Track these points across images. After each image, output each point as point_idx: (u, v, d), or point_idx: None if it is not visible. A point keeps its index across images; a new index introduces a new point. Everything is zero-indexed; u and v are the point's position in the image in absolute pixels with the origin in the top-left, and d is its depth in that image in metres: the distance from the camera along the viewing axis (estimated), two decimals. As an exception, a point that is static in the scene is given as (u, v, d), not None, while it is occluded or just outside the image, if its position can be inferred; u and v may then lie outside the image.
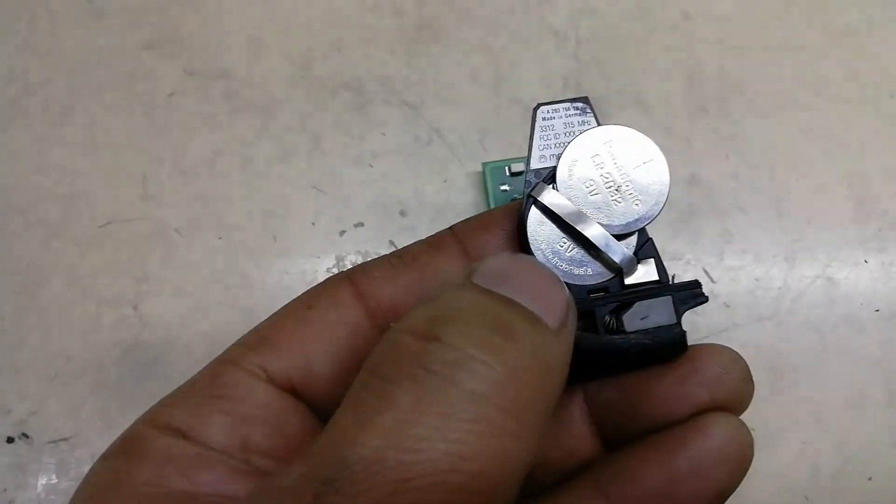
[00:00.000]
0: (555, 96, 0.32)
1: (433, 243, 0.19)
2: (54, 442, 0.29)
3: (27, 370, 0.29)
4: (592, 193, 0.18)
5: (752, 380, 0.18)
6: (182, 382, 0.29)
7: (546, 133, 0.18)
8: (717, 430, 0.16)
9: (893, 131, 0.32)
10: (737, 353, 0.18)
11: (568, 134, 0.18)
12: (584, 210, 0.18)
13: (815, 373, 0.29)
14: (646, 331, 0.17)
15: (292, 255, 0.30)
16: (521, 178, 0.30)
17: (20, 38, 0.33)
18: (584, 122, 0.18)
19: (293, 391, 0.17)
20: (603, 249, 0.18)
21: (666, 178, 0.18)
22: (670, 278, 0.19)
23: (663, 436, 0.17)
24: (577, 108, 0.19)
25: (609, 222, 0.18)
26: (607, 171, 0.18)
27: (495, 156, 0.31)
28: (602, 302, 0.17)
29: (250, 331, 0.18)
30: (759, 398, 0.29)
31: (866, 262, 0.30)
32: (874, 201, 0.31)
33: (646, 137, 0.18)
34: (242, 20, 0.33)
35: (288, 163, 0.31)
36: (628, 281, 0.18)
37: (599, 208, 0.18)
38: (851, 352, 0.30)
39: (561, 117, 0.19)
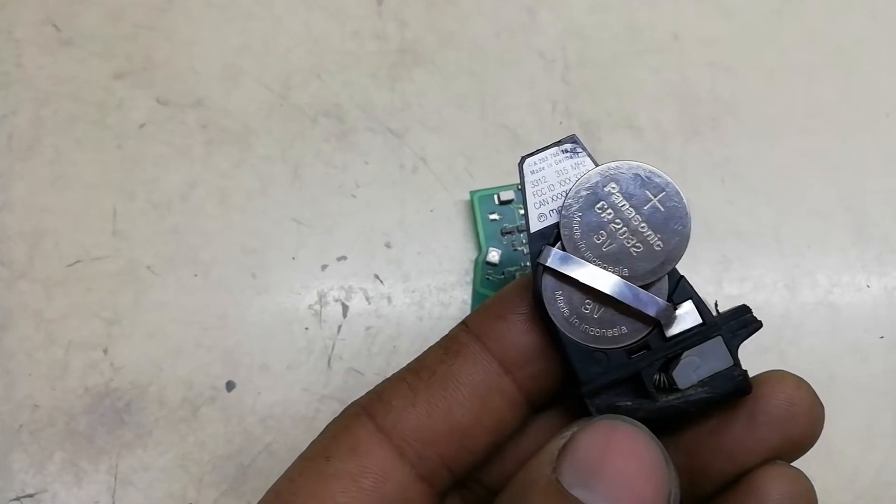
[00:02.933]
0: (543, 121, 0.31)
1: (450, 349, 0.17)
2: (18, 499, 0.27)
3: (-10, 421, 0.28)
4: (606, 245, 0.16)
5: (821, 404, 0.16)
6: (156, 430, 0.27)
7: (539, 187, 0.16)
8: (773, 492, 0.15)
9: (890, 152, 0.31)
10: (798, 377, 0.16)
11: (563, 182, 0.16)
12: (602, 265, 0.16)
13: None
14: (702, 382, 0.15)
15: (273, 292, 0.29)
16: (510, 207, 0.29)
17: (-17, 68, 0.31)
18: (577, 165, 0.16)
19: None
20: (633, 304, 0.16)
21: (684, 208, 0.16)
22: (714, 307, 0.17)
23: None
24: (567, 151, 0.17)
25: (632, 272, 0.16)
26: (617, 216, 0.16)
27: (483, 183, 0.30)
28: (647, 362, 0.16)
29: (269, 491, 0.16)
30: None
31: (868, 286, 0.29)
32: (874, 224, 0.30)
33: (650, 167, 0.16)
34: (217, 47, 0.31)
35: (266, 195, 0.30)
36: (670, 332, 0.16)
37: (618, 259, 0.16)
38: (857, 382, 0.29)
39: (551, 165, 0.16)
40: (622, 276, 0.16)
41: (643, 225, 0.16)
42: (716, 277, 0.29)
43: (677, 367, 0.15)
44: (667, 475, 0.14)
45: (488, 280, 0.28)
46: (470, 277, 0.29)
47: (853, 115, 0.31)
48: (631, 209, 0.16)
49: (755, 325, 0.16)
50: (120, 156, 0.30)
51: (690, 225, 0.16)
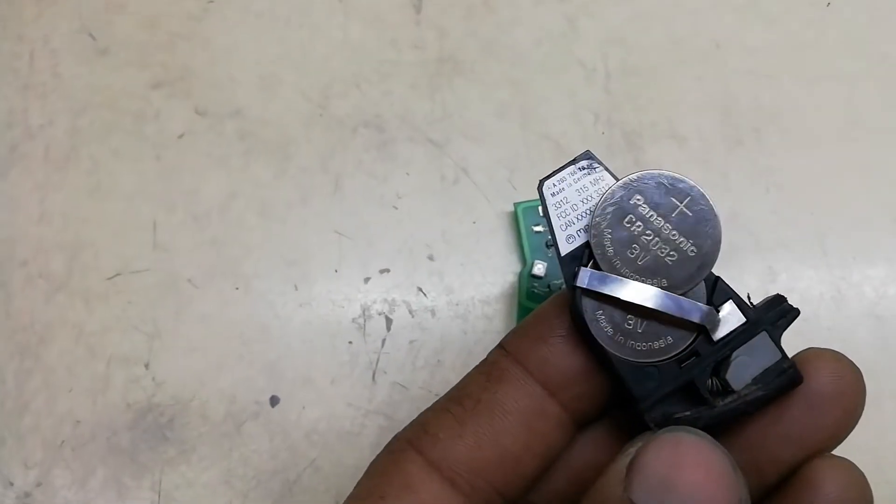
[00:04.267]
0: (585, 132, 0.30)
1: (492, 375, 0.16)
2: (63, 516, 0.27)
3: (31, 437, 0.27)
4: (641, 259, 0.16)
5: (858, 369, 0.17)
6: (199, 446, 0.27)
7: (562, 209, 0.16)
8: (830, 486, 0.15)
9: (936, 161, 0.30)
10: (832, 351, 0.17)
11: (585, 200, 0.16)
12: (640, 279, 0.16)
13: (871, 418, 0.28)
14: (755, 380, 0.15)
15: (315, 305, 0.29)
16: (556, 218, 0.28)
17: (20, 78, 0.31)
18: (597, 181, 0.16)
19: None
20: (676, 314, 0.16)
21: (711, 210, 0.16)
22: (748, 299, 0.17)
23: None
24: (584, 168, 0.16)
25: (671, 282, 0.16)
26: (647, 227, 0.16)
27: (526, 194, 0.29)
28: (698, 369, 0.16)
29: None
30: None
31: (916, 298, 0.29)
32: (921, 234, 0.30)
33: (672, 174, 0.16)
34: (255, 56, 0.31)
35: (307, 206, 0.30)
36: (717, 335, 0.16)
37: (655, 271, 0.16)
38: (906, 394, 0.28)
39: (570, 185, 0.16)
40: (661, 287, 0.16)
41: (674, 233, 0.16)
42: (762, 289, 0.29)
43: (729, 369, 0.16)
44: (736, 481, 0.14)
45: (534, 293, 0.28)
46: (514, 290, 0.28)
47: (898, 124, 0.31)
48: (660, 218, 0.16)
49: (794, 314, 0.16)
50: (158, 167, 0.30)
51: (720, 226, 0.16)
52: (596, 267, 0.16)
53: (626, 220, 0.16)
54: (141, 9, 0.31)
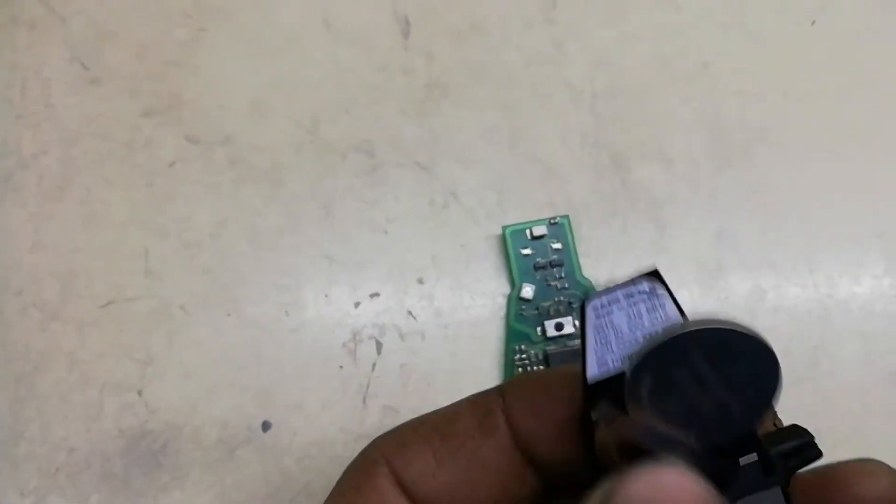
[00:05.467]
0: (573, 153, 0.31)
1: (483, 424, 0.16)
2: (58, 545, 0.27)
3: (26, 464, 0.28)
4: (676, 406, 0.13)
5: None
6: (193, 472, 0.27)
7: (604, 333, 0.14)
8: None
9: (922, 178, 0.31)
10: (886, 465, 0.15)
11: (635, 328, 0.14)
12: (667, 426, 0.13)
13: (858, 435, 0.28)
14: None
15: (306, 330, 0.29)
16: (543, 242, 0.29)
17: (13, 107, 0.31)
18: (654, 309, 0.14)
19: None
20: (700, 469, 0.13)
21: (775, 378, 0.13)
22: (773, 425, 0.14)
23: None
24: (643, 292, 0.14)
25: (701, 436, 0.13)
26: (694, 377, 0.13)
27: (515, 217, 0.30)
28: None
29: None
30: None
31: (903, 315, 0.29)
32: (907, 252, 0.30)
33: (744, 326, 0.13)
34: (245, 83, 0.31)
35: (298, 231, 0.30)
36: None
37: (687, 422, 0.13)
38: (893, 410, 0.28)
39: (622, 308, 0.14)
40: (688, 440, 0.13)
41: (722, 391, 0.13)
42: (750, 308, 0.29)
43: None
44: None
45: (522, 315, 0.28)
46: (503, 313, 0.29)
47: (884, 141, 0.31)
48: (713, 370, 0.13)
49: (815, 457, 0.14)
50: (150, 194, 0.30)
51: (778, 394, 0.13)
52: (621, 403, 0.13)
53: (676, 364, 0.13)
54: (132, 37, 0.32)
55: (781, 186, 0.30)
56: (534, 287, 0.28)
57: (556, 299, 0.28)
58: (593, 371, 0.14)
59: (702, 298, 0.29)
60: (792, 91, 0.31)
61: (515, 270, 0.29)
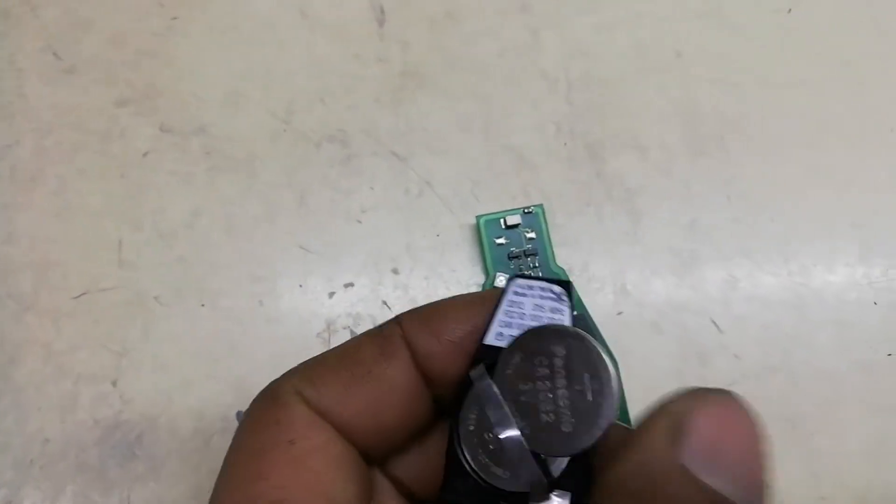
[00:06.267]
0: (548, 143, 0.31)
1: (385, 349, 0.17)
2: (33, 535, 0.27)
3: (2, 456, 0.28)
4: (522, 397, 0.15)
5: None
6: (168, 462, 0.27)
7: (513, 309, 0.16)
8: None
9: (895, 168, 0.31)
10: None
11: (534, 318, 0.16)
12: (512, 411, 0.15)
13: (831, 423, 0.28)
14: None
15: (281, 321, 0.29)
16: (517, 231, 0.29)
17: (-16, 99, 0.31)
18: (555, 311, 0.16)
19: None
20: (514, 462, 0.15)
21: (610, 412, 0.15)
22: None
23: None
24: (554, 295, 0.16)
25: (530, 435, 0.15)
26: (548, 380, 0.15)
27: (489, 206, 0.30)
28: None
29: (230, 496, 0.16)
30: (772, 452, 0.28)
31: (875, 303, 0.29)
32: (881, 240, 0.30)
33: (603, 356, 0.15)
34: (219, 72, 0.31)
35: (272, 222, 0.30)
36: None
37: (525, 415, 0.15)
38: (867, 399, 0.29)
39: (534, 297, 0.16)
40: (522, 432, 0.15)
41: (565, 400, 0.15)
42: (723, 298, 0.29)
43: None
44: (767, 455, 0.13)
45: (496, 305, 0.28)
46: (478, 302, 0.29)
47: (859, 130, 0.31)
48: (563, 380, 0.15)
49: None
50: (124, 185, 0.30)
51: (605, 430, 0.15)
52: (491, 372, 0.16)
53: (538, 361, 0.15)
54: (105, 26, 0.31)
55: (756, 176, 0.30)
56: (507, 276, 0.28)
57: (529, 289, 0.28)
58: (489, 338, 0.16)
59: (676, 288, 0.29)
60: (767, 80, 0.31)
61: (489, 260, 0.29)
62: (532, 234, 0.29)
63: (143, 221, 0.30)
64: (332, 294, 0.29)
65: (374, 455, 0.17)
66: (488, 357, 0.16)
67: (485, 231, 0.29)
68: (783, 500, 0.28)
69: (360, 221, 0.30)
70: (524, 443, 0.15)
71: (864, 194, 0.30)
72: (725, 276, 0.30)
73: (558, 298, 0.16)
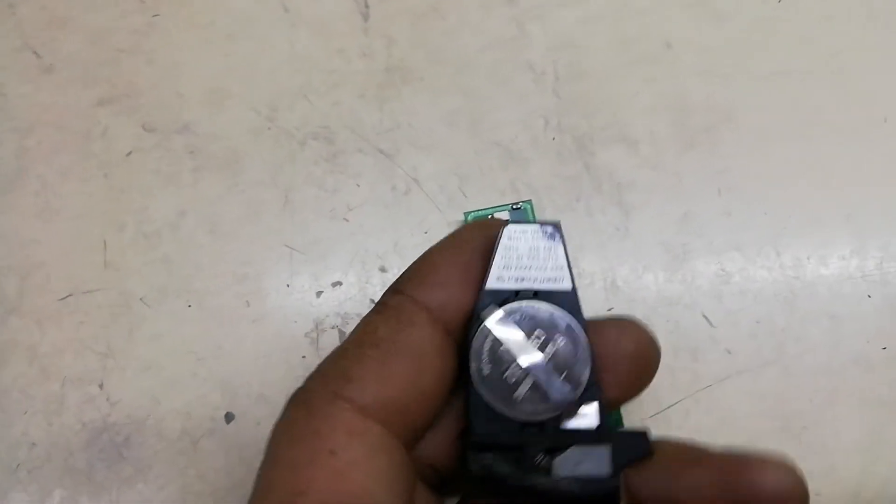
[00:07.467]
0: (535, 137, 0.30)
1: (402, 319, 0.16)
2: (19, 540, 0.27)
3: (-12, 460, 0.27)
4: (536, 339, 0.16)
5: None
6: (156, 464, 0.27)
7: (509, 253, 0.17)
8: None
9: (889, 158, 0.30)
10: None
11: (531, 258, 0.17)
12: (532, 346, 0.16)
13: (825, 418, 0.28)
14: (577, 479, 0.15)
15: (268, 321, 0.29)
16: (506, 227, 0.28)
17: (-36, 99, 0.30)
18: (550, 249, 0.17)
19: None
20: (543, 386, 0.16)
21: (584, 374, 0.16)
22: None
23: None
24: (548, 234, 0.17)
25: (553, 359, 0.16)
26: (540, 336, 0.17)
27: (477, 202, 0.29)
28: (535, 440, 0.16)
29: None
30: (766, 447, 0.28)
31: (870, 296, 0.29)
32: (874, 233, 0.30)
33: (580, 328, 0.17)
34: (201, 70, 0.31)
35: (258, 221, 0.29)
36: (566, 425, 0.16)
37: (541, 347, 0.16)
38: (861, 393, 0.28)
39: (528, 240, 0.17)
40: (546, 356, 0.16)
41: (556, 353, 0.16)
42: (715, 292, 0.29)
43: (560, 457, 0.16)
44: None
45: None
46: (466, 300, 0.28)
47: (851, 120, 0.30)
48: (549, 341, 0.16)
49: (645, 454, 0.16)
50: (107, 185, 0.30)
51: (582, 388, 0.16)
52: (507, 314, 0.16)
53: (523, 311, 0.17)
54: (85, 24, 0.31)
55: (747, 168, 0.30)
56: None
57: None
58: (491, 282, 0.17)
59: (667, 283, 0.29)
60: (757, 71, 0.31)
61: (477, 257, 0.28)
62: (520, 231, 0.28)
63: (127, 222, 0.29)
64: (319, 293, 0.29)
65: (418, 434, 0.17)
66: (493, 300, 0.17)
67: (472, 228, 0.28)
68: (776, 496, 0.27)
69: (346, 219, 0.29)
70: (548, 368, 0.16)
71: (857, 186, 0.30)
72: (717, 271, 0.29)
73: (552, 237, 0.17)
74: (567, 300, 0.17)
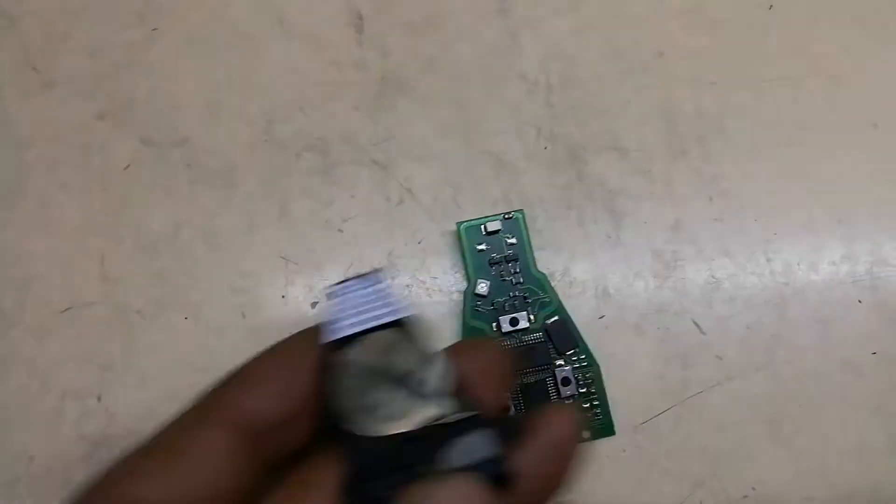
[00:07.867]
0: (528, 146, 0.30)
1: (198, 420, 0.17)
2: (20, 552, 0.27)
3: (-12, 472, 0.28)
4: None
5: None
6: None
7: (338, 308, 0.18)
8: None
9: (879, 163, 0.31)
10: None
11: (364, 308, 0.17)
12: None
13: (815, 423, 0.28)
14: (474, 464, 0.15)
15: (264, 333, 0.29)
16: (498, 237, 0.29)
17: (-36, 115, 0.31)
18: (377, 293, 0.18)
19: None
20: (406, 396, 0.16)
21: (438, 375, 0.16)
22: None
23: None
24: (368, 281, 0.18)
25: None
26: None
27: (470, 212, 0.30)
28: (416, 447, 0.15)
29: None
30: (757, 453, 0.28)
31: (860, 301, 0.29)
32: (864, 238, 0.30)
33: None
34: (198, 84, 0.31)
35: (254, 233, 0.30)
36: (443, 421, 0.16)
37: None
38: (851, 399, 0.29)
39: (353, 293, 0.18)
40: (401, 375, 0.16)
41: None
42: (706, 299, 0.29)
43: (448, 452, 0.15)
44: None
45: (477, 312, 0.28)
46: (460, 309, 0.29)
47: (841, 126, 0.31)
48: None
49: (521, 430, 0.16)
50: (105, 198, 0.30)
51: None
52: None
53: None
54: (84, 39, 0.31)
55: (737, 175, 0.30)
56: (489, 283, 0.28)
57: (510, 294, 0.28)
58: (330, 336, 0.17)
59: (658, 290, 0.29)
60: (748, 78, 0.31)
61: (470, 266, 0.29)
62: (513, 240, 0.29)
63: (125, 235, 0.30)
64: (314, 304, 0.29)
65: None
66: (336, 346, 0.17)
67: (465, 238, 0.29)
68: (768, 501, 0.28)
69: (341, 230, 0.30)
70: (408, 378, 0.16)
71: (847, 192, 0.30)
72: (707, 277, 0.29)
73: (373, 282, 0.18)
74: (409, 322, 0.17)
